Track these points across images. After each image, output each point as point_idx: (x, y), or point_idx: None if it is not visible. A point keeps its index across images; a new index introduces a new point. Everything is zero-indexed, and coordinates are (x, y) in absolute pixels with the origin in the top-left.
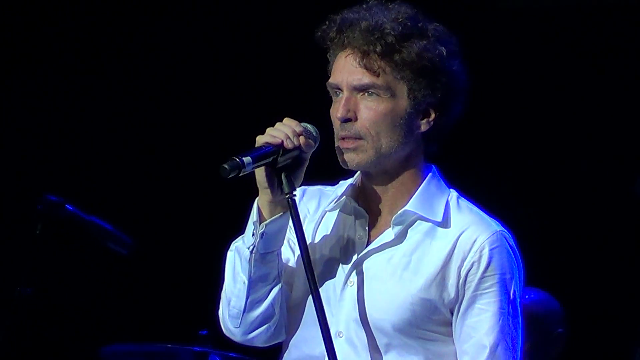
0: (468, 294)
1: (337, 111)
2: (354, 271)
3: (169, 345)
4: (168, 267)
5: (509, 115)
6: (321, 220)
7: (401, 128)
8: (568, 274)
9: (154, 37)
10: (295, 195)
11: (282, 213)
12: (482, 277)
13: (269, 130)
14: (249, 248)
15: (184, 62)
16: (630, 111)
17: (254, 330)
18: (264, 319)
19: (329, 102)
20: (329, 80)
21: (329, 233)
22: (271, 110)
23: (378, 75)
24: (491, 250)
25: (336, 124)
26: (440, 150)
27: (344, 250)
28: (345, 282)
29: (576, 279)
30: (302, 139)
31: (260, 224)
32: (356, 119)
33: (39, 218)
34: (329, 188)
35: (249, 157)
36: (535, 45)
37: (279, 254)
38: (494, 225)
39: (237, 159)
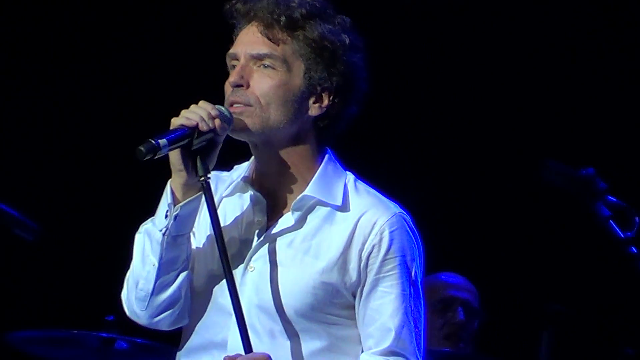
0: (370, 277)
1: (230, 77)
2: (254, 256)
3: (75, 331)
4: (74, 252)
5: (411, 100)
6: (218, 206)
7: (292, 105)
8: (473, 259)
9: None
10: (209, 178)
11: (195, 195)
12: (384, 259)
13: (183, 112)
14: (161, 230)
15: (90, 44)
16: (535, 95)
17: (160, 314)
18: (171, 302)
19: None
20: (229, 51)
21: (227, 219)
22: (185, 94)
23: (277, 46)
24: (391, 232)
25: (227, 90)
26: (336, 141)
27: (244, 235)
28: (246, 267)
29: (482, 264)
30: (217, 121)
31: (174, 205)
32: (248, 87)
33: None
34: (224, 173)
35: (164, 140)
36: (435, 28)
37: (189, 238)
38: (393, 208)
39: (153, 141)
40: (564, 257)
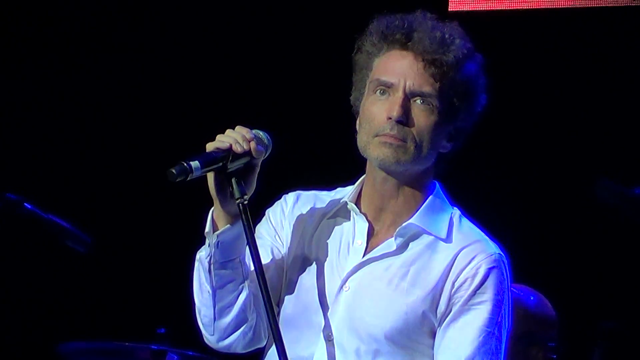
0: (456, 307)
1: (390, 110)
2: (351, 277)
3: (126, 343)
4: (126, 265)
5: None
6: (319, 225)
7: (436, 143)
8: (526, 275)
9: (108, 36)
10: (245, 200)
11: (234, 222)
12: (474, 292)
13: (218, 136)
14: (206, 258)
15: (143, 63)
16: (590, 113)
17: (228, 336)
18: (237, 324)
19: (293, 111)
20: (380, 77)
21: (327, 237)
22: (227, 118)
23: (437, 84)
24: (488, 269)
25: (380, 120)
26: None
27: (342, 255)
28: (342, 286)
29: (534, 280)
30: (252, 144)
31: (212, 233)
32: (408, 124)
33: None
34: (324, 193)
35: (197, 162)
36: (492, 47)
37: (242, 260)
38: (494, 247)
39: (185, 164)
40: (617, 273)
